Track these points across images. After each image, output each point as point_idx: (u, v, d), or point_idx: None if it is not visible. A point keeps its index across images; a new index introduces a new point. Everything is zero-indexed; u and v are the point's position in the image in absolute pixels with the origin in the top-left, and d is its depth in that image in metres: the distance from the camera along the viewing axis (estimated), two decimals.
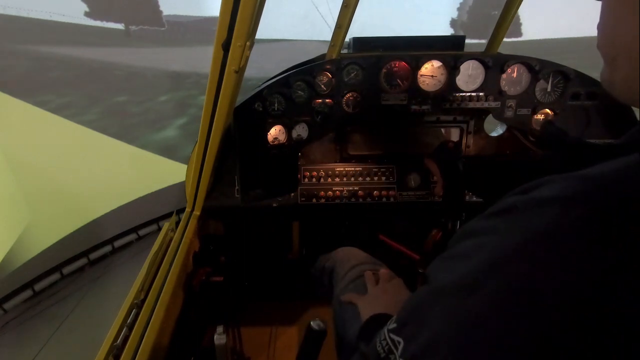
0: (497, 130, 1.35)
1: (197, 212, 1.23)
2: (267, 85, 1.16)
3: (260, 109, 1.15)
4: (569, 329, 0.26)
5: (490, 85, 1.18)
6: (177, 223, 1.21)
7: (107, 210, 2.63)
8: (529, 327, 0.27)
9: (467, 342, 0.29)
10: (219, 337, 0.98)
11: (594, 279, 0.25)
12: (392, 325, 0.38)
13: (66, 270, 2.30)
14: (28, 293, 2.12)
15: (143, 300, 0.87)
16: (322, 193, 1.26)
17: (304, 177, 1.28)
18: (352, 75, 1.19)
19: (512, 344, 0.27)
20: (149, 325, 0.81)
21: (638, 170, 0.27)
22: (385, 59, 1.17)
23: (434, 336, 0.31)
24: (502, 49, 1.25)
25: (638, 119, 1.17)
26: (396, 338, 0.36)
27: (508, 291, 0.28)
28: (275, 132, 1.19)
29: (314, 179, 1.28)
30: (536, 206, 0.29)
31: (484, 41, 1.26)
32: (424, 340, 0.32)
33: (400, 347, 0.35)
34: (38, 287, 2.16)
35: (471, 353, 0.29)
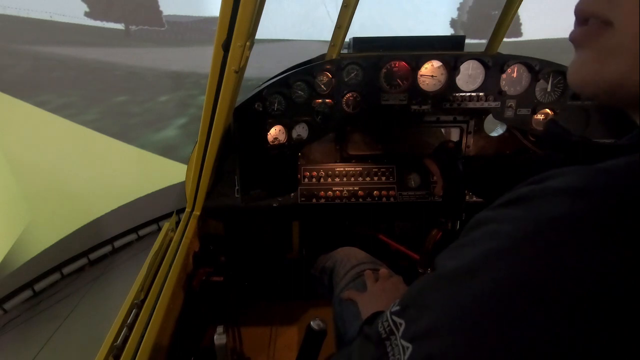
0: (497, 130, 1.35)
1: (197, 212, 1.23)
2: (267, 85, 1.16)
3: (260, 109, 1.14)
4: (567, 318, 0.26)
5: (490, 85, 1.18)
6: (177, 223, 1.20)
7: (107, 210, 2.64)
8: (529, 313, 0.27)
9: (468, 325, 0.29)
10: (219, 337, 0.98)
11: (601, 270, 0.25)
12: (395, 307, 0.38)
13: (66, 270, 2.30)
14: (28, 293, 2.12)
15: (143, 300, 0.87)
16: (322, 193, 1.26)
17: (304, 177, 1.28)
18: (352, 75, 1.19)
19: (512, 329, 0.27)
20: (149, 325, 0.81)
21: None
22: (385, 59, 1.17)
23: (436, 319, 0.31)
24: (502, 49, 1.25)
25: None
26: (398, 320, 0.36)
27: (511, 276, 0.28)
28: (275, 132, 1.19)
29: (314, 179, 1.28)
30: (549, 195, 0.29)
31: (484, 41, 1.25)
32: (426, 322, 0.32)
33: (402, 328, 0.35)
34: (38, 287, 2.16)
35: (471, 336, 0.29)
